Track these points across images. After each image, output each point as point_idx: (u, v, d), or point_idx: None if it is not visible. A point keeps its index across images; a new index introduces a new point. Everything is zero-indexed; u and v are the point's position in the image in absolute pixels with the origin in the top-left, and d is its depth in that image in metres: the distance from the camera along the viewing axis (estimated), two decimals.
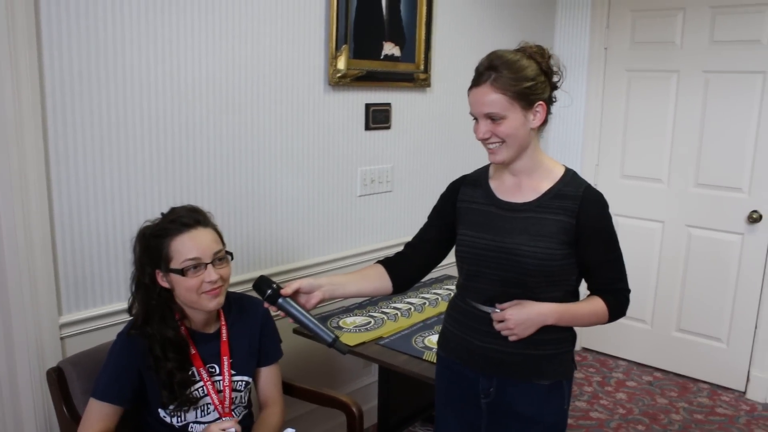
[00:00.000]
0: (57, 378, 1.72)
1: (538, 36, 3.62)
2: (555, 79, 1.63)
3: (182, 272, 1.61)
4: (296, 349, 2.51)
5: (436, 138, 3.17)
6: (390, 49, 2.82)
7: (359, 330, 2.36)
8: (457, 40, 3.19)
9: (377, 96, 2.83)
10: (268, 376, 1.88)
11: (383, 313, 2.55)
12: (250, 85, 2.34)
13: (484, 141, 1.60)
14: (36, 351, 1.86)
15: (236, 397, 1.76)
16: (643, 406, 3.41)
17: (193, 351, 1.70)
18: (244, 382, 1.78)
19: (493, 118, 1.56)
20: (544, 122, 1.62)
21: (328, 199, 2.71)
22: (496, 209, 1.66)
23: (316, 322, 1.57)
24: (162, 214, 1.70)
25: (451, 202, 1.77)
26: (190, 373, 1.67)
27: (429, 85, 3.05)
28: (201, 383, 1.69)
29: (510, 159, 1.61)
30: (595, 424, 3.22)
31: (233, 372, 1.75)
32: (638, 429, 3.19)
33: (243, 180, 2.38)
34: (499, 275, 1.62)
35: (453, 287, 2.85)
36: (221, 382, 1.73)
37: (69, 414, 1.70)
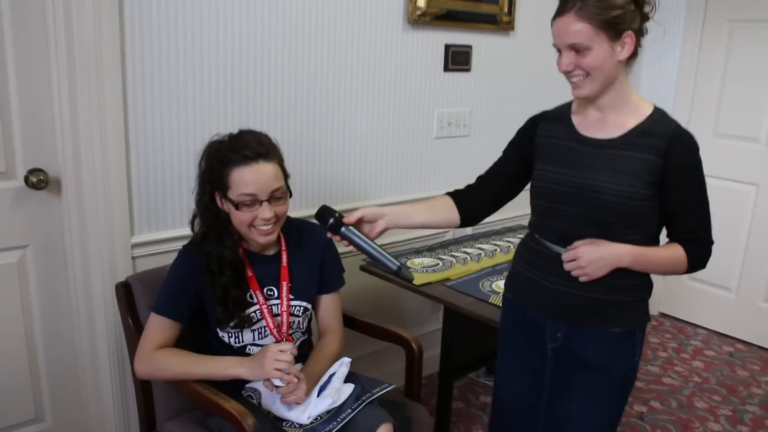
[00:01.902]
0: (125, 291, 1.77)
1: None
2: (646, 9, 1.51)
3: (236, 205, 1.61)
4: (362, 287, 2.51)
5: (517, 85, 3.05)
6: None
7: (426, 270, 2.32)
8: None
9: (458, 37, 2.74)
10: (328, 304, 1.87)
11: (452, 256, 2.50)
12: (327, 18, 2.30)
13: (567, 74, 1.51)
14: (109, 266, 1.92)
15: (294, 323, 1.76)
16: (721, 377, 3.25)
17: (249, 273, 1.70)
18: (302, 308, 1.78)
19: (577, 50, 1.46)
20: (633, 55, 1.50)
21: (402, 139, 2.66)
22: (577, 145, 1.57)
23: (381, 249, 1.54)
24: (230, 135, 1.68)
25: (529, 136, 1.68)
26: (247, 294, 1.68)
27: (512, 29, 2.92)
28: (257, 306, 1.70)
29: (594, 93, 1.51)
30: (667, 390, 3.10)
31: (291, 297, 1.75)
32: (714, 399, 3.04)
33: (317, 114, 2.35)
34: (575, 213, 1.54)
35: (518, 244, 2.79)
36: (279, 306, 1.73)
37: (134, 326, 1.75)
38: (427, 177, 2.80)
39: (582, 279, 1.54)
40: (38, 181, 1.86)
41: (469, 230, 2.96)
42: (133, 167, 1.96)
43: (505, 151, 1.76)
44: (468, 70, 2.82)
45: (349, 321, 1.98)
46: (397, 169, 2.68)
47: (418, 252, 2.54)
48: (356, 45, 2.41)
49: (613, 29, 1.44)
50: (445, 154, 2.84)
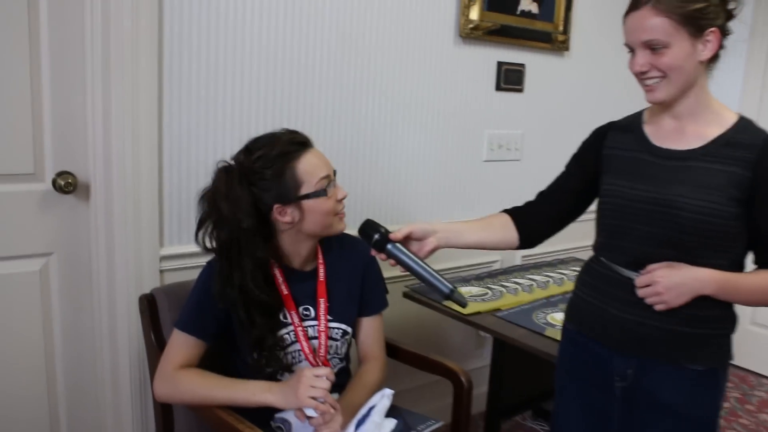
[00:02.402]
0: (148, 304, 1.64)
1: None
2: (731, 5, 1.34)
3: (325, 192, 1.49)
4: (404, 317, 2.33)
5: (572, 108, 2.89)
6: (527, 4, 2.58)
7: (475, 300, 2.15)
8: (600, 4, 2.89)
9: (510, 55, 2.60)
10: (370, 328, 1.70)
11: (502, 286, 2.32)
12: (374, 28, 2.19)
13: (641, 76, 1.35)
14: (135, 279, 1.79)
15: (331, 347, 1.59)
16: None
17: (285, 291, 1.55)
18: (341, 331, 1.61)
19: (653, 48, 1.30)
20: (715, 56, 1.34)
21: (450, 160, 2.51)
22: (651, 157, 1.39)
23: (431, 269, 1.38)
24: (248, 147, 1.52)
25: (596, 148, 1.52)
26: (281, 314, 1.54)
27: (567, 49, 2.78)
28: (291, 327, 1.54)
29: (671, 98, 1.34)
30: None
31: (329, 318, 1.59)
32: None
33: (362, 128, 2.22)
34: (649, 232, 1.36)
35: (578, 270, 2.59)
36: (315, 328, 1.57)
37: (156, 342, 1.61)
38: (474, 201, 2.63)
39: (658, 307, 1.35)
40: (66, 184, 1.75)
41: (518, 260, 2.78)
42: (166, 174, 1.85)
43: (568, 166, 1.60)
44: (521, 90, 2.67)
45: (391, 350, 1.81)
46: (444, 190, 2.52)
47: (465, 281, 2.36)
48: (405, 58, 2.28)
49: (694, 25, 1.28)
50: (494, 178, 2.67)
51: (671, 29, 1.27)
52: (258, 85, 1.96)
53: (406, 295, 2.21)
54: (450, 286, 1.36)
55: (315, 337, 1.56)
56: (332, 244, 1.65)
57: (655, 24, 1.28)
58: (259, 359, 1.49)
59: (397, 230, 1.40)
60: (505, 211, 1.57)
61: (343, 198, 1.54)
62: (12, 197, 1.72)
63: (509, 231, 1.53)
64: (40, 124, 1.73)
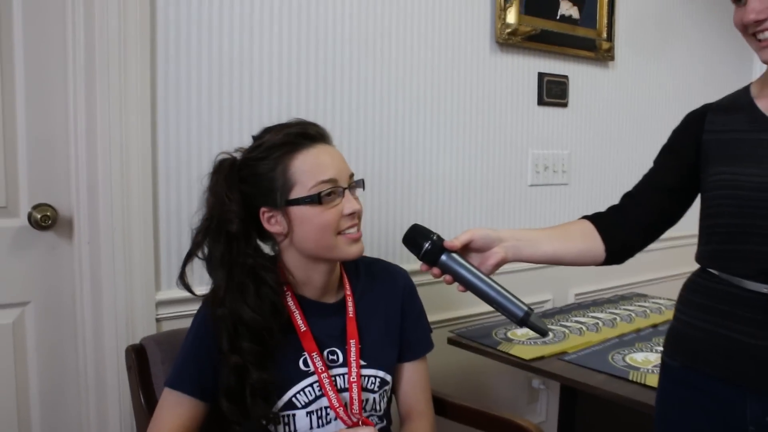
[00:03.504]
0: (137, 357, 1.30)
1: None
2: None
3: (318, 199, 1.15)
4: (440, 364, 1.98)
5: (619, 124, 2.59)
6: (567, 8, 2.31)
7: (534, 342, 1.80)
8: (644, 9, 2.62)
9: (552, 65, 2.32)
10: (414, 376, 1.35)
11: (563, 326, 1.97)
12: (402, 32, 1.92)
13: (756, 27, 1.06)
14: (126, 328, 1.49)
15: (367, 401, 1.24)
16: None
17: (303, 326, 1.21)
18: (378, 380, 1.27)
19: None
20: None
21: (492, 184, 2.19)
22: None
23: (501, 287, 1.06)
24: (254, 137, 1.25)
25: (692, 134, 1.21)
26: (301, 359, 1.20)
27: (612, 59, 2.49)
28: (314, 377, 1.19)
29: None
30: None
31: (363, 363, 1.25)
32: None
33: (390, 147, 1.92)
34: None
35: (646, 306, 2.27)
36: (346, 377, 1.23)
37: (146, 403, 1.26)
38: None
39: None
40: (43, 218, 1.46)
41: (571, 297, 2.43)
42: (162, 204, 1.55)
43: (657, 161, 1.28)
44: (565, 104, 2.37)
45: (437, 404, 1.46)
46: (484, 218, 2.18)
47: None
48: (437, 67, 2.00)
49: None
50: (542, 204, 2.35)
51: None
52: (270, 100, 1.68)
53: (451, 341, 1.86)
54: (525, 308, 1.04)
55: (345, 389, 1.22)
56: (360, 271, 1.33)
57: None
58: (233, 411, 1.12)
59: (453, 238, 1.09)
60: (585, 217, 1.25)
61: (354, 213, 1.18)
62: None
63: (593, 241, 1.21)
64: (13, 148, 1.46)
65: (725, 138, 1.15)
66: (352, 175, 1.22)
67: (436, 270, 1.09)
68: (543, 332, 1.05)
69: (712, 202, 1.14)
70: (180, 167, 1.57)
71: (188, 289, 1.21)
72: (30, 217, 1.47)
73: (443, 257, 1.07)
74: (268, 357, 1.15)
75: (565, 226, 1.25)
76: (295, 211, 1.16)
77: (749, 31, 1.08)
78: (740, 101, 1.17)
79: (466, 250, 1.11)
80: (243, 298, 1.14)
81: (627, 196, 1.26)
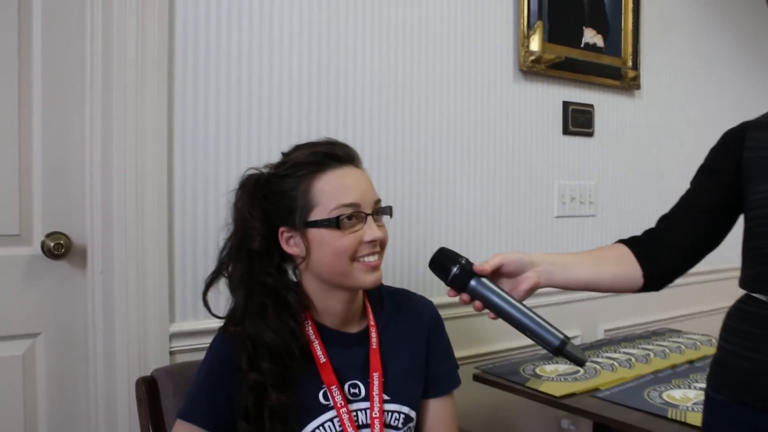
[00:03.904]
0: (146, 390, 1.24)
1: (763, 33, 2.91)
2: None
3: (337, 223, 1.09)
4: (465, 398, 1.89)
5: (647, 154, 2.52)
6: (591, 36, 2.28)
7: (564, 379, 1.71)
8: (670, 38, 2.58)
9: (576, 94, 2.27)
10: (440, 414, 1.27)
11: (595, 362, 1.87)
12: (424, 59, 1.88)
13: None
14: (139, 361, 1.43)
15: None
16: None
17: (323, 357, 1.14)
18: (403, 416, 1.19)
19: None
20: None
21: (517, 215, 2.13)
22: None
23: (534, 313, 0.99)
24: (283, 153, 1.21)
25: (732, 152, 1.14)
26: (321, 393, 1.13)
27: (639, 87, 2.44)
28: (333, 411, 1.12)
29: None
30: None
31: (386, 398, 1.17)
32: None
33: (413, 175, 1.87)
34: None
35: (680, 342, 2.16)
36: (368, 412, 1.15)
37: None
38: None
39: None
40: (56, 246, 1.43)
41: (600, 333, 2.34)
42: (177, 233, 1.51)
43: (694, 181, 1.21)
44: (591, 134, 2.32)
45: None
46: (511, 248, 2.11)
47: (547, 357, 1.93)
48: (460, 94, 1.96)
49: None
50: (569, 237, 2.28)
51: None
52: (290, 125, 1.64)
53: (477, 378, 1.78)
54: (561, 335, 0.97)
55: (366, 425, 1.15)
56: (384, 301, 1.26)
57: None
58: (248, 429, 1.06)
59: (483, 262, 1.02)
60: (621, 241, 1.18)
61: (374, 240, 1.12)
62: None
63: (630, 266, 1.13)
64: (28, 175, 1.44)
65: (767, 155, 1.09)
66: (378, 201, 1.16)
67: (465, 296, 1.02)
68: (581, 362, 0.98)
69: (756, 222, 1.07)
70: (196, 195, 1.53)
71: (208, 309, 1.17)
72: (43, 245, 1.44)
73: (472, 282, 1.01)
74: (288, 379, 1.09)
75: (600, 251, 1.18)
76: (314, 233, 1.11)
77: None
78: None
79: (496, 275, 1.05)
80: (263, 318, 1.10)
81: (664, 219, 1.19)
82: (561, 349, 0.96)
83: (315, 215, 1.10)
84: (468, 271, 1.01)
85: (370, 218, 1.12)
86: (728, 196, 1.14)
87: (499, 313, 1.00)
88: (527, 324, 0.98)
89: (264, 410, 1.06)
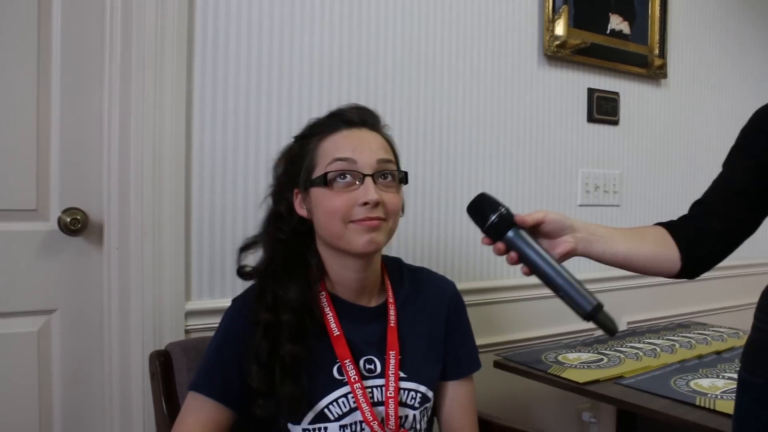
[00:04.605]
0: (160, 364, 1.21)
1: None
2: None
3: (325, 180, 1.06)
4: (484, 385, 1.85)
5: (672, 144, 2.47)
6: (617, 23, 2.23)
7: (588, 366, 1.67)
8: (697, 27, 2.52)
9: (602, 81, 2.23)
10: (458, 397, 1.23)
11: (618, 351, 1.83)
12: (447, 40, 1.85)
13: None
14: (153, 340, 1.40)
15: (405, 419, 1.13)
16: None
17: (336, 331, 1.11)
18: (419, 395, 1.15)
19: None
20: None
21: (540, 202, 2.08)
22: None
23: (568, 274, 0.95)
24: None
25: (765, 131, 1.09)
26: (335, 367, 1.10)
27: (665, 76, 2.39)
28: (347, 387, 1.09)
29: None
30: None
31: (403, 375, 1.14)
32: None
33: (434, 163, 1.84)
34: None
35: (706, 334, 2.10)
36: (383, 389, 1.12)
37: (168, 412, 1.17)
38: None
39: None
40: (72, 221, 1.41)
41: (623, 325, 2.28)
42: (195, 211, 1.49)
43: (726, 163, 1.16)
44: (616, 122, 2.27)
45: (483, 428, 1.34)
46: None
47: (569, 346, 1.88)
48: (484, 80, 1.93)
49: None
50: None
51: None
52: (310, 105, 1.62)
53: (498, 365, 1.74)
54: (595, 301, 0.93)
55: (381, 403, 1.11)
56: (404, 277, 1.23)
57: None
58: (263, 385, 1.03)
59: (525, 214, 0.99)
60: (659, 224, 1.14)
61: (369, 203, 1.05)
62: (8, 239, 1.38)
63: (669, 248, 1.08)
64: (46, 150, 1.42)
65: None
66: (383, 162, 1.10)
67: (500, 245, 0.98)
68: (612, 331, 0.94)
69: None
70: (215, 172, 1.51)
71: (240, 269, 1.17)
72: (60, 221, 1.42)
73: (510, 233, 0.96)
74: (303, 334, 1.06)
75: (639, 229, 1.13)
76: (315, 193, 1.09)
77: None
78: None
79: (534, 232, 1.01)
80: (286, 275, 1.09)
81: (698, 204, 1.14)
82: (593, 315, 0.92)
83: (316, 173, 1.09)
84: (508, 220, 0.97)
85: (369, 179, 1.06)
86: (764, 176, 1.09)
87: (534, 268, 0.96)
88: (561, 284, 0.94)
89: (276, 363, 1.04)
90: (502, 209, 0.97)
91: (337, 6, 1.66)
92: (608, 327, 0.93)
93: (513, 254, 0.97)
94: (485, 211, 0.97)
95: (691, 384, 1.52)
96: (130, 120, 1.41)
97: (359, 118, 1.13)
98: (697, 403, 1.39)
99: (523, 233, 0.97)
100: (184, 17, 1.45)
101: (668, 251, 1.09)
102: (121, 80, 1.42)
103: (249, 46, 1.54)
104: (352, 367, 1.10)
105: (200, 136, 1.49)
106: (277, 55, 1.57)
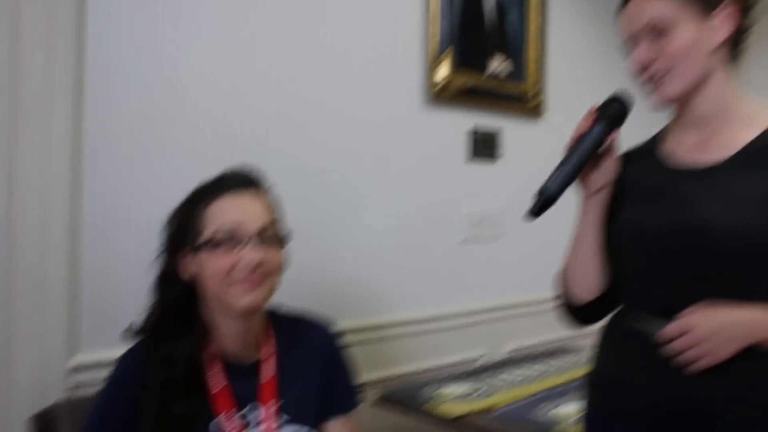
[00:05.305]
0: (43, 427, 1.20)
1: None
2: None
3: (212, 244, 1.14)
4: (372, 424, 1.91)
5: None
6: (499, 62, 2.35)
7: (462, 400, 1.75)
8: (573, 65, 2.70)
9: (483, 120, 2.35)
10: None
11: (490, 384, 1.92)
12: (331, 85, 1.92)
13: (644, 72, 1.13)
14: (39, 396, 1.37)
15: None
16: None
17: (218, 385, 1.17)
18: None
19: (657, 31, 1.09)
20: (738, 45, 1.13)
21: (422, 242, 2.18)
22: (668, 177, 1.15)
23: (576, 168, 1.21)
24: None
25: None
26: (210, 424, 1.15)
27: (543, 111, 2.54)
28: None
29: (682, 92, 1.11)
30: None
31: (287, 417, 1.21)
32: None
33: (318, 207, 1.90)
34: (676, 269, 1.08)
35: (575, 360, 2.23)
36: None
37: None
38: (452, 289, 2.25)
39: (699, 364, 1.02)
40: None
41: (505, 353, 2.39)
42: (86, 255, 1.49)
43: None
44: (495, 160, 2.39)
45: None
46: (416, 278, 2.14)
47: (453, 378, 1.97)
48: (367, 124, 2.01)
49: (702, 1, 1.08)
50: (473, 261, 2.33)
51: (675, 7, 1.08)
52: (203, 152, 1.64)
53: (379, 400, 1.79)
54: (555, 187, 1.20)
55: None
56: (283, 326, 1.31)
57: (656, 4, 1.09)
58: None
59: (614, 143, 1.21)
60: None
61: (249, 264, 1.14)
62: None
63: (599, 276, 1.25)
64: None
65: (632, 184, 1.22)
66: (266, 226, 1.19)
67: (613, 134, 1.21)
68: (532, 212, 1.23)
69: (617, 243, 1.20)
70: (106, 211, 1.52)
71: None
72: None
73: (599, 128, 1.19)
74: (191, 390, 1.14)
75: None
76: (201, 257, 1.16)
77: (641, 78, 1.12)
78: (648, 147, 1.25)
79: (607, 154, 1.21)
80: (173, 333, 1.16)
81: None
82: (541, 192, 1.21)
83: (200, 239, 1.16)
84: (623, 114, 1.21)
85: (251, 242, 1.15)
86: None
87: (575, 150, 1.21)
88: (565, 170, 1.20)
89: (164, 420, 1.09)
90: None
91: (223, 55, 1.70)
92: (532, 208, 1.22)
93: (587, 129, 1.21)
94: (615, 108, 1.22)
95: (550, 414, 1.64)
96: (17, 165, 1.39)
97: (242, 180, 1.21)
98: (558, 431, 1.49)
99: (599, 138, 1.19)
100: (71, 70, 1.46)
101: (597, 278, 1.24)
102: (9, 131, 1.39)
103: (140, 100, 1.56)
104: (231, 421, 1.16)
105: (93, 166, 1.50)
106: (167, 105, 1.60)
